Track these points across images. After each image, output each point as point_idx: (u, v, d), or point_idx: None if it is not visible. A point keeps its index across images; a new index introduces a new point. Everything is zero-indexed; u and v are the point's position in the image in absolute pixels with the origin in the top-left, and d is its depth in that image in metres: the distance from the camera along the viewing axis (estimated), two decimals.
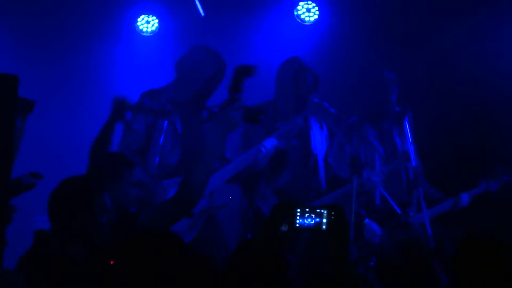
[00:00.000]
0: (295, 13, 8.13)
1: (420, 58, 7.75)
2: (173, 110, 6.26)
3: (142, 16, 8.39)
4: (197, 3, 8.13)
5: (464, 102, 7.63)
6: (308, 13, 8.11)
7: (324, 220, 3.47)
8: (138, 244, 3.21)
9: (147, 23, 8.39)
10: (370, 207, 6.57)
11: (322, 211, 3.48)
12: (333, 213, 3.48)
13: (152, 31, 8.38)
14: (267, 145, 6.15)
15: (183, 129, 6.27)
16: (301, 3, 8.11)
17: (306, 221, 3.48)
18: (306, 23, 8.12)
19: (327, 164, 6.61)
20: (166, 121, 6.22)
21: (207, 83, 6.23)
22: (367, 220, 6.28)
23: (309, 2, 8.08)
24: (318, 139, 6.59)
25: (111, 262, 3.15)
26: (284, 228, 3.44)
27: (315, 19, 8.09)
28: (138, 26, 8.40)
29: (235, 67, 5.16)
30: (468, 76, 7.66)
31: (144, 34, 8.41)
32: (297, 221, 3.48)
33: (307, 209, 3.49)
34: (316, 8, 8.06)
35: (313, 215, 3.47)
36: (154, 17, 8.36)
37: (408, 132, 6.42)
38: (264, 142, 6.17)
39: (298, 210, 3.48)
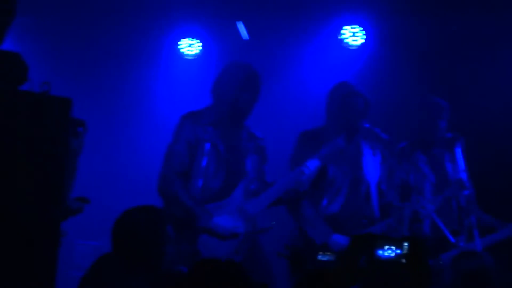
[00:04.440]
0: (340, 37, 8.00)
1: (472, 82, 7.60)
2: (215, 132, 6.15)
3: (184, 40, 8.33)
4: (242, 26, 8.05)
5: None
6: (353, 37, 7.97)
7: (405, 253, 3.33)
8: (201, 274, 3.12)
9: (190, 46, 8.33)
10: (419, 235, 6.40)
11: (403, 243, 3.34)
12: (414, 245, 3.34)
13: (195, 54, 8.32)
14: (310, 166, 6.03)
15: (225, 151, 6.16)
16: (345, 27, 7.96)
17: (386, 253, 3.34)
18: (351, 47, 7.99)
19: (380, 191, 6.47)
20: (208, 143, 6.11)
21: (238, 93, 6.12)
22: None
23: (355, 26, 7.94)
24: (371, 166, 6.43)
25: None
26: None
27: (361, 43, 7.95)
28: (180, 49, 8.35)
29: None
30: None
31: (186, 57, 8.36)
32: (377, 253, 3.34)
33: (388, 241, 3.35)
34: (363, 32, 7.92)
35: (394, 247, 3.33)
36: (197, 40, 8.29)
37: (461, 159, 6.29)
38: (307, 163, 6.06)
39: (378, 241, 3.35)
